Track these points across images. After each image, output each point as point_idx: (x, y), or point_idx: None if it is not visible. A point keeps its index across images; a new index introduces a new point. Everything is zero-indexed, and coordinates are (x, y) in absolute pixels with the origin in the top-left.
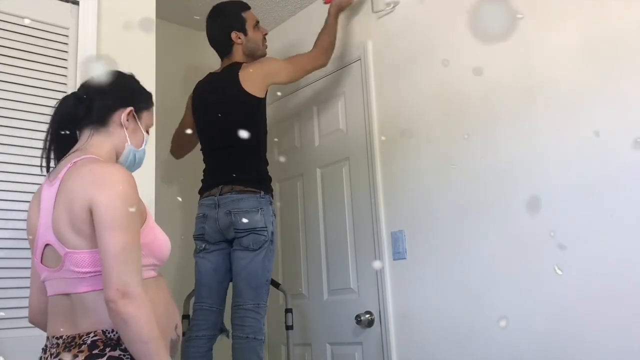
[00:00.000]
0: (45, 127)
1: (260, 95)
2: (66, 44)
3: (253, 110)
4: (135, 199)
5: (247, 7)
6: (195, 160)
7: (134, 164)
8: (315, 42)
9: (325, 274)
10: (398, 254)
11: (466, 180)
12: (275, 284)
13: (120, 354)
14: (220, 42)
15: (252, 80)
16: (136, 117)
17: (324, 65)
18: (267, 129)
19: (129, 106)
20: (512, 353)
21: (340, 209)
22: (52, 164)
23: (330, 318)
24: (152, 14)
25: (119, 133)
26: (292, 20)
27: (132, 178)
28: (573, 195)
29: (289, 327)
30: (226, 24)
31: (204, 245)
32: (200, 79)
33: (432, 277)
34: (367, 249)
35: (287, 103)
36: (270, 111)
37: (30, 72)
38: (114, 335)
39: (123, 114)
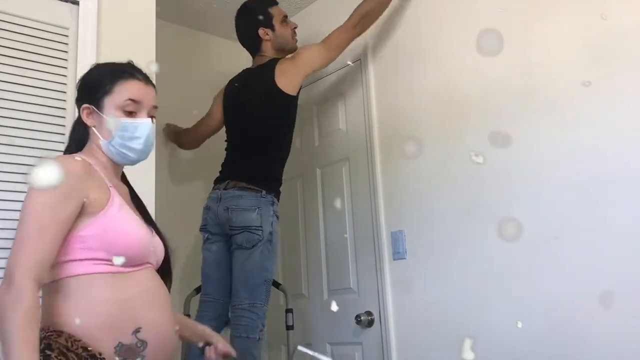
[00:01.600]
0: (45, 127)
1: (293, 92)
2: (66, 44)
3: (282, 108)
4: (66, 183)
5: (274, 2)
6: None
7: (124, 154)
8: (356, 8)
9: (325, 274)
10: (398, 254)
11: (466, 180)
12: (275, 284)
13: (41, 356)
14: (249, 39)
15: (287, 76)
16: (97, 110)
17: (359, 33)
18: (292, 129)
19: (83, 104)
20: (512, 353)
21: (340, 209)
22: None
23: (330, 318)
24: (152, 14)
25: (93, 133)
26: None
27: (72, 167)
28: (573, 195)
29: (289, 327)
30: (253, 21)
31: (207, 236)
32: (201, 78)
33: (432, 277)
34: (367, 249)
35: None
36: None
37: (30, 72)
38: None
39: (83, 115)
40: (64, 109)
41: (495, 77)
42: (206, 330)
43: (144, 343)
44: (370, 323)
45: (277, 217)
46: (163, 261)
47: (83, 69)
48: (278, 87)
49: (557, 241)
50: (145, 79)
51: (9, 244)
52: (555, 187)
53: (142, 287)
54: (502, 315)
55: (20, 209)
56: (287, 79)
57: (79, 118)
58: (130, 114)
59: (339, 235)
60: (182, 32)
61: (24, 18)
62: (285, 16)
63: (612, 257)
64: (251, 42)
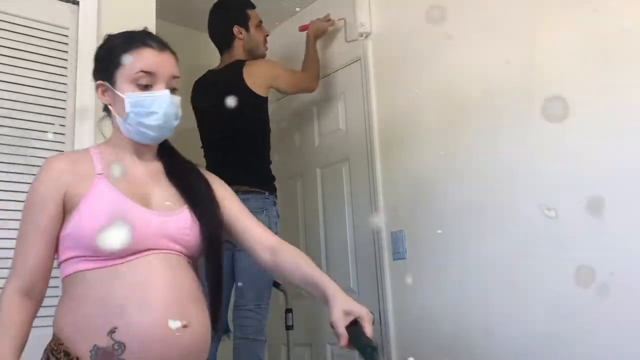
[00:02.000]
0: (45, 127)
1: (263, 94)
2: (66, 44)
3: (257, 108)
4: (36, 194)
5: (252, 6)
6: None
7: (143, 133)
8: (305, 68)
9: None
10: (398, 254)
11: (466, 181)
12: (275, 284)
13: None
14: (221, 34)
15: (256, 78)
16: (110, 86)
17: (313, 89)
18: (270, 128)
19: (97, 81)
20: (512, 353)
21: (340, 209)
22: None
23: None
24: (152, 14)
25: (112, 113)
26: (292, 20)
27: (48, 165)
28: (573, 194)
29: (289, 327)
30: (229, 16)
31: None
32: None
33: (432, 277)
34: (367, 249)
35: (287, 103)
36: (270, 111)
37: (30, 72)
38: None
39: (98, 93)
40: (64, 109)
41: (495, 77)
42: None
43: (121, 345)
44: None
45: (279, 216)
46: (206, 245)
47: (83, 69)
48: (250, 88)
49: (558, 241)
50: (160, 46)
51: (8, 243)
52: (556, 186)
53: (123, 283)
54: (502, 315)
55: (20, 208)
56: (255, 82)
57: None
58: (146, 87)
59: (339, 235)
60: (182, 32)
61: (24, 18)
62: (261, 21)
63: (612, 257)
64: (223, 38)
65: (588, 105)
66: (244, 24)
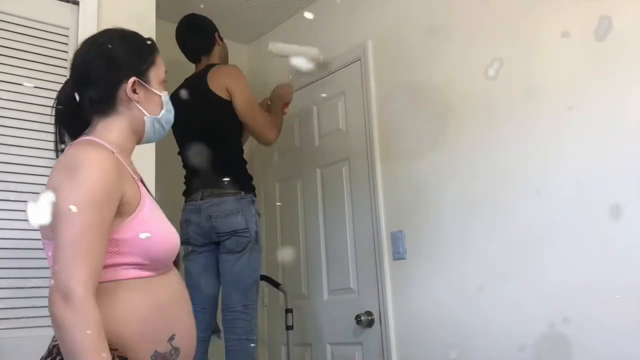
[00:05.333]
0: (45, 127)
1: (225, 96)
2: (66, 44)
3: (222, 110)
4: (100, 189)
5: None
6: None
7: (163, 129)
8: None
9: (325, 274)
10: (398, 254)
11: (466, 180)
12: (275, 284)
13: None
14: (203, 40)
15: (218, 81)
16: (143, 83)
17: (270, 141)
18: (242, 129)
19: (129, 77)
20: (512, 353)
21: (340, 209)
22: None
23: (330, 318)
24: (152, 14)
25: (130, 109)
26: (291, 20)
27: (109, 164)
28: (573, 194)
29: (289, 327)
30: (210, 24)
31: (190, 249)
32: None
33: (432, 277)
34: (367, 249)
35: None
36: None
37: (30, 72)
38: None
39: (127, 89)
40: None
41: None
42: None
43: (177, 350)
44: (370, 323)
45: (259, 214)
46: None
47: None
48: (212, 91)
49: (558, 241)
50: None
51: (8, 243)
52: (556, 186)
53: (171, 290)
54: (502, 315)
55: (19, 208)
56: (218, 85)
57: (105, 95)
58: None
59: (339, 235)
60: None
61: (24, 18)
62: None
63: (613, 256)
64: (204, 44)
65: (588, 105)
66: (219, 34)
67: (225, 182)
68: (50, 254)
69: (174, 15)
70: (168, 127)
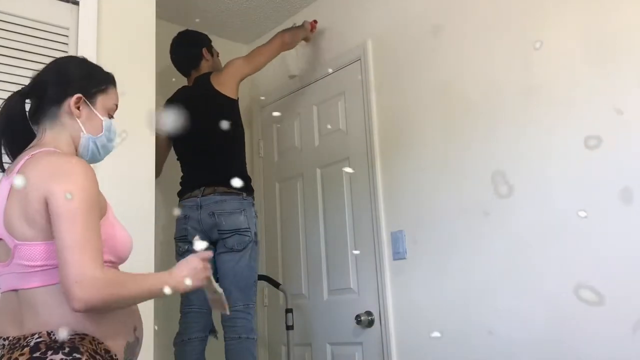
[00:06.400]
0: None
1: (234, 96)
2: (66, 44)
3: (231, 110)
4: (92, 192)
5: (210, 42)
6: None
7: (98, 153)
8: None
9: (325, 274)
10: (398, 254)
11: (466, 180)
12: (275, 284)
13: (63, 358)
14: (191, 54)
15: (223, 82)
16: (89, 103)
17: (279, 49)
18: (243, 130)
19: (75, 93)
20: (512, 353)
21: (340, 209)
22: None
23: (330, 318)
24: (152, 14)
25: (72, 123)
26: (291, 20)
27: (91, 170)
28: (573, 194)
29: (289, 327)
30: (199, 40)
31: (186, 247)
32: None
33: (432, 277)
34: (367, 249)
35: (287, 103)
36: (269, 111)
37: (30, 72)
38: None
39: (70, 103)
40: None
41: (495, 77)
42: None
43: (138, 340)
44: (370, 323)
45: (257, 216)
46: None
47: None
48: (221, 93)
49: (558, 240)
50: None
51: None
52: (556, 186)
53: None
54: (503, 315)
55: None
56: (224, 86)
57: (50, 103)
58: (109, 118)
59: (339, 235)
60: None
61: (24, 18)
62: (218, 54)
63: (613, 256)
64: (192, 59)
65: (587, 105)
66: (210, 50)
67: (230, 181)
68: (33, 249)
69: (174, 16)
70: (104, 152)
